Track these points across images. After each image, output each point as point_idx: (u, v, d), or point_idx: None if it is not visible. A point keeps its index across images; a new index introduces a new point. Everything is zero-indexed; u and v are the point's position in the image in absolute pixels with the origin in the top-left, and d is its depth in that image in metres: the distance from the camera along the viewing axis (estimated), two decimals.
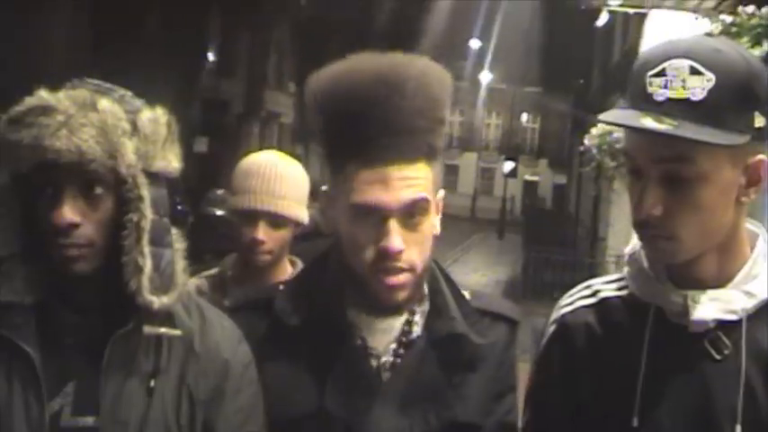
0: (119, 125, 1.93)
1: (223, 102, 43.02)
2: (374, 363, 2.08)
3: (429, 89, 2.01)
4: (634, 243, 1.95)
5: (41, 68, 24.22)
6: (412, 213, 1.98)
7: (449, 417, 2.03)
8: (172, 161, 2.04)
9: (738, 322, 1.82)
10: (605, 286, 2.02)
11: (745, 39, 4.91)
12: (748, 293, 1.83)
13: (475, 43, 63.46)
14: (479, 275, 22.39)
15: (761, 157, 1.80)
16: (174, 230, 2.04)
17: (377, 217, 1.97)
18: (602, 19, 13.75)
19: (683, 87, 1.72)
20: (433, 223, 2.05)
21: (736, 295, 1.83)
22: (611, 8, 10.27)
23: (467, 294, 2.20)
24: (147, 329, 1.97)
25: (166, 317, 1.99)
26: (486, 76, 64.79)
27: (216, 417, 2.03)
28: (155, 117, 2.03)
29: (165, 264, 1.98)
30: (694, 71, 1.73)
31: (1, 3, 23.72)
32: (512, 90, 66.73)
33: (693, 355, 1.84)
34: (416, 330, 2.11)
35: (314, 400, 2.03)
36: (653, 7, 9.60)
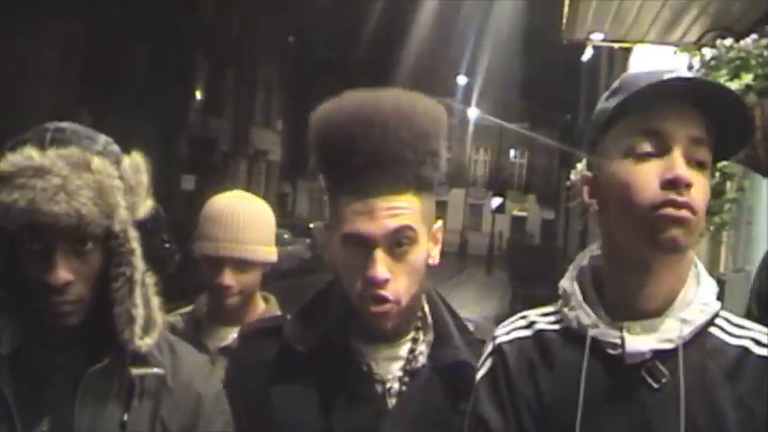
0: (113, 185, 1.95)
1: (210, 139, 43.11)
2: (380, 389, 2.13)
3: (416, 122, 2.06)
4: (567, 277, 1.95)
5: (28, 101, 24.27)
6: (399, 243, 2.03)
7: None
8: (150, 204, 2.07)
9: (674, 350, 1.81)
10: (541, 318, 1.99)
11: (724, 71, 4.98)
12: (683, 320, 1.82)
13: (462, 80, 63.68)
14: (467, 311, 22.41)
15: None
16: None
17: (364, 246, 2.02)
18: (587, 54, 13.84)
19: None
20: (424, 253, 2.09)
21: (671, 323, 1.82)
22: (594, 43, 10.34)
23: (470, 326, 2.26)
24: (136, 371, 2.00)
25: (144, 355, 2.02)
26: (473, 112, 64.93)
27: None
28: (135, 165, 2.05)
29: (145, 305, 2.02)
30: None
31: None
32: (499, 126, 66.99)
33: (631, 385, 1.81)
34: (421, 359, 2.16)
35: (321, 423, 2.07)
36: (636, 42, 9.68)
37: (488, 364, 1.97)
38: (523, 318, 2.01)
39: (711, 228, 6.30)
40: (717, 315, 1.88)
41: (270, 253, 3.23)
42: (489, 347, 2.00)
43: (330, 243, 2.14)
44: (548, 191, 61.63)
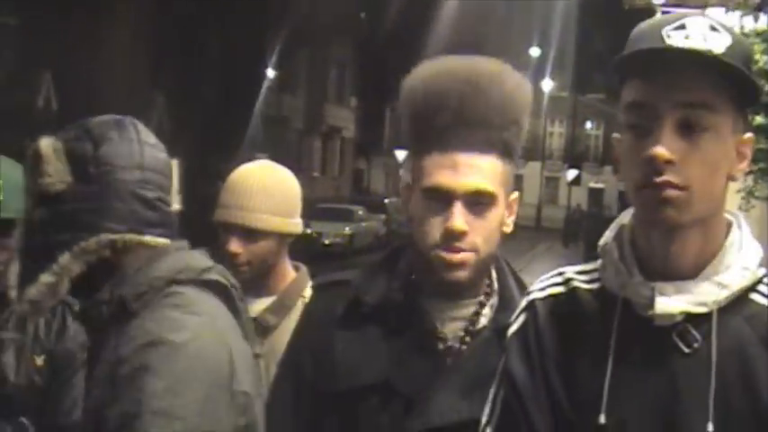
0: None
1: (284, 118, 43.35)
2: (441, 346, 2.17)
3: (503, 88, 2.14)
4: (607, 236, 1.91)
5: (103, 87, 24.60)
6: (477, 201, 2.09)
7: None
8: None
9: (709, 315, 1.75)
10: (578, 276, 1.95)
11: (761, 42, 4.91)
12: (720, 284, 1.75)
13: (535, 51, 63.24)
14: None
15: (750, 135, 1.80)
16: None
17: (444, 199, 2.10)
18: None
19: (704, 40, 1.71)
20: (501, 218, 2.16)
21: (706, 287, 1.76)
22: (657, 7, 10.23)
23: None
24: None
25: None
26: (547, 84, 64.46)
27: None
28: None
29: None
30: (713, 29, 1.73)
31: (62, 19, 24.09)
32: (574, 97, 66.45)
33: (662, 349, 1.77)
34: (483, 321, 2.21)
35: (380, 374, 2.13)
36: (698, 5, 9.53)
37: (521, 319, 1.95)
38: (560, 274, 1.98)
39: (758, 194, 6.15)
40: (759, 281, 1.80)
41: (286, 224, 3.18)
42: (524, 303, 1.98)
43: (411, 199, 2.21)
44: None
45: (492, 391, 1.95)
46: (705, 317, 1.75)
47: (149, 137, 2.16)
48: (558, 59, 63.31)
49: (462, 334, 2.19)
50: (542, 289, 1.97)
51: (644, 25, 1.81)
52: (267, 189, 3.16)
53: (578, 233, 41.78)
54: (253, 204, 3.10)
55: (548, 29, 61.95)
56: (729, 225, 1.84)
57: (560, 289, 1.94)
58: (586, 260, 2.05)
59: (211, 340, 2.05)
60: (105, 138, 2.10)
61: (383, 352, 2.15)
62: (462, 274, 2.13)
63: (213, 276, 2.18)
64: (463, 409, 2.08)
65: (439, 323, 2.19)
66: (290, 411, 2.24)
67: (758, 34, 4.67)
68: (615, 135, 1.88)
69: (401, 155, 53.30)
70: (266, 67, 41.52)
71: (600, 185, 68.99)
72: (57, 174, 2.08)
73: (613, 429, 1.76)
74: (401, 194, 2.39)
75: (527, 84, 2.23)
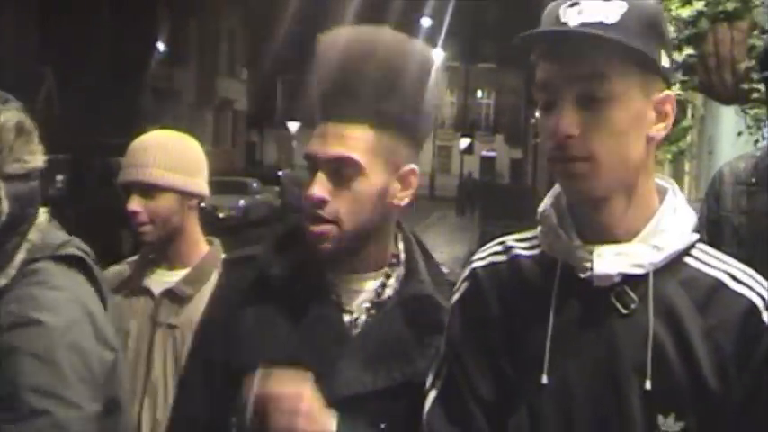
0: None
1: (175, 91, 42.81)
2: (346, 318, 2.18)
3: (380, 58, 2.12)
4: (545, 202, 1.95)
5: None
6: (339, 170, 2.08)
7: (412, 373, 2.10)
8: (29, 160, 2.22)
9: (645, 276, 1.81)
10: (517, 243, 2.00)
11: None
12: (656, 247, 1.82)
13: (426, 21, 63.39)
14: (438, 253, 22.33)
15: (667, 92, 1.85)
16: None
17: (313, 169, 2.11)
18: None
19: (598, 13, 1.76)
20: (376, 190, 2.12)
21: (642, 249, 1.82)
22: None
23: (444, 269, 2.31)
24: None
25: None
26: (438, 54, 64.60)
27: None
28: (1, 124, 2.15)
29: (11, 248, 2.16)
30: (607, 1, 1.78)
31: None
32: (465, 67, 66.82)
33: (600, 309, 1.82)
34: (388, 292, 2.21)
35: (287, 349, 2.12)
36: None
37: (463, 288, 1.99)
38: (501, 243, 2.02)
39: (668, 155, 6.31)
40: (693, 246, 1.86)
41: (184, 181, 3.15)
42: (466, 272, 2.01)
43: None
44: (515, 130, 61.68)
45: (437, 359, 1.99)
46: (641, 279, 1.81)
47: None
48: (449, 30, 63.57)
49: (368, 306, 2.19)
50: (483, 258, 2.00)
51: (550, 6, 1.84)
52: (164, 146, 3.17)
53: (471, 201, 42.14)
54: (149, 161, 3.10)
55: None
56: (665, 191, 1.90)
57: (501, 257, 1.98)
58: (481, 228, 2.09)
59: (76, 315, 2.14)
60: None
61: (289, 327, 2.15)
62: (326, 247, 2.11)
63: (69, 250, 2.22)
64: (367, 381, 2.10)
65: (345, 296, 2.19)
66: (201, 385, 2.24)
67: None
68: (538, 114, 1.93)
69: (294, 126, 53.13)
70: (156, 39, 40.94)
71: (492, 154, 69.67)
72: None
73: (555, 388, 1.82)
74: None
75: (415, 51, 2.19)
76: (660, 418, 1.77)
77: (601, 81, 1.76)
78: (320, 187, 2.08)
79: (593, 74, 1.76)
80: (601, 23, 1.75)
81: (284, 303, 2.16)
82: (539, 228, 1.96)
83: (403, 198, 2.18)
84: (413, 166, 2.19)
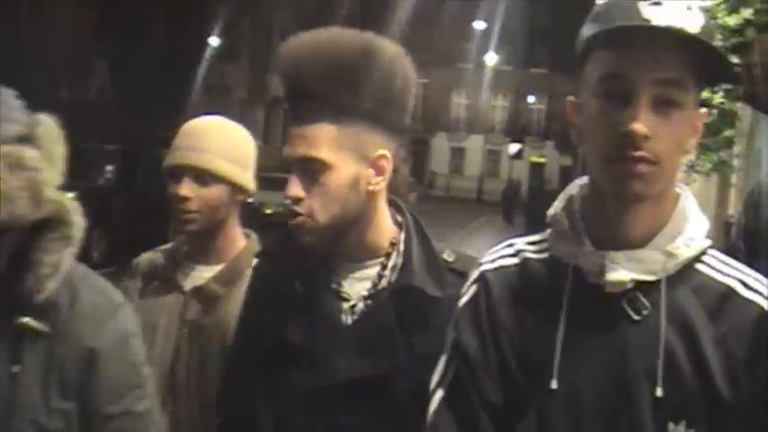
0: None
1: (227, 87, 42.97)
2: (345, 305, 2.30)
3: (335, 55, 2.23)
4: (556, 205, 1.95)
5: (45, 54, 24.27)
6: (308, 168, 2.22)
7: (395, 363, 2.21)
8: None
9: (657, 283, 1.81)
10: (527, 246, 1.99)
11: (723, 6, 4.91)
12: (669, 254, 1.82)
13: (479, 24, 63.18)
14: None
15: (704, 110, 1.87)
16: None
17: (289, 171, 2.26)
18: None
19: (681, 19, 1.74)
20: (346, 178, 2.24)
21: (655, 255, 1.82)
22: None
23: (449, 256, 2.36)
24: (26, 322, 2.03)
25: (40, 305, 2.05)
26: (491, 58, 64.43)
27: (87, 398, 2.07)
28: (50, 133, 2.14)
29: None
30: (689, 8, 1.76)
31: None
32: (518, 71, 66.49)
33: (611, 315, 1.82)
34: (384, 282, 2.31)
35: (288, 334, 2.26)
36: None
37: (472, 291, 1.98)
38: (510, 246, 2.01)
39: (709, 164, 6.24)
40: (704, 252, 1.86)
41: (238, 174, 3.04)
42: (474, 274, 2.00)
43: None
44: (566, 137, 61.13)
45: (443, 357, 1.98)
46: (654, 285, 1.81)
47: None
48: (502, 33, 63.28)
49: (366, 294, 2.30)
50: (493, 260, 1.99)
51: (616, 0, 1.82)
52: (224, 134, 3.07)
53: (513, 207, 41.94)
54: (207, 146, 2.98)
55: (493, 2, 61.89)
56: (677, 197, 1.89)
57: (511, 261, 1.97)
58: (528, 233, 2.09)
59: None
60: None
61: (291, 314, 2.27)
62: (308, 239, 2.26)
63: None
64: (363, 366, 2.21)
65: (345, 284, 2.31)
66: (244, 367, 2.40)
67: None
68: (570, 98, 1.92)
69: None
70: (209, 35, 41.15)
71: (541, 160, 69.25)
72: None
73: (564, 394, 1.81)
74: None
75: (380, 48, 2.27)
76: (671, 426, 1.76)
77: (679, 87, 1.76)
78: (294, 186, 2.23)
79: (675, 79, 1.76)
80: (683, 31, 1.74)
81: (288, 292, 2.29)
82: (548, 231, 1.96)
83: (378, 183, 2.28)
84: (383, 151, 2.27)
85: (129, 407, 2.11)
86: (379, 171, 2.27)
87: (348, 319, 2.28)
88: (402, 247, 2.33)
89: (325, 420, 2.22)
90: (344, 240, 2.28)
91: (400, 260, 2.32)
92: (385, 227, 2.35)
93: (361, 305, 2.29)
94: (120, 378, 2.11)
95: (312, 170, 2.22)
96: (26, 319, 2.01)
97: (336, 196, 2.24)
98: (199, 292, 3.02)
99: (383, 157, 2.27)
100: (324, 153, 2.21)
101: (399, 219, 2.38)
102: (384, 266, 2.32)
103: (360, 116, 2.23)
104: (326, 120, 2.22)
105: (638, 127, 1.73)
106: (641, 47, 1.75)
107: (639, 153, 1.74)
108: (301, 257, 2.31)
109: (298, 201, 2.23)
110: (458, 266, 2.31)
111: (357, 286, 2.31)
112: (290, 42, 2.31)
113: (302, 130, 2.23)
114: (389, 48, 2.29)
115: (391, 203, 2.39)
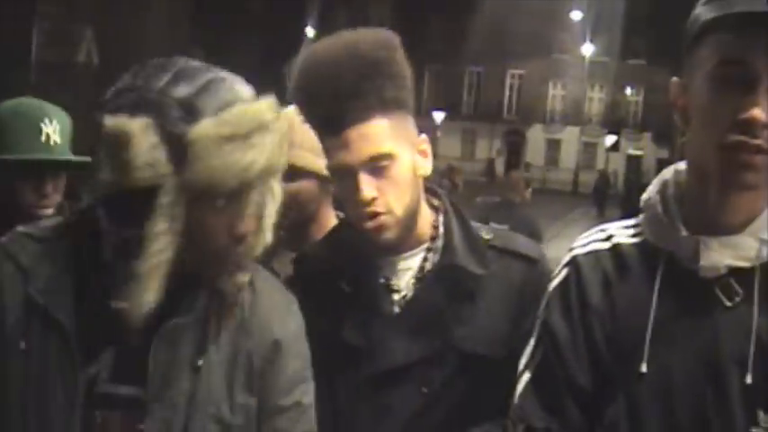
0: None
1: None
2: (395, 297, 2.35)
3: (362, 54, 2.26)
4: (650, 190, 1.93)
5: (142, 42, 24.68)
6: (376, 165, 2.23)
7: (449, 340, 2.27)
8: None
9: (751, 270, 1.78)
10: (620, 231, 1.97)
11: None
12: (763, 241, 1.79)
13: (576, 15, 62.76)
14: None
15: None
16: None
17: (349, 175, 2.24)
18: None
19: None
20: (409, 168, 2.28)
21: (750, 242, 1.79)
22: None
23: (487, 234, 2.42)
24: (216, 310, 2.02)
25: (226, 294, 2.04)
26: (588, 49, 63.96)
27: (263, 390, 2.04)
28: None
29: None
30: None
31: None
32: (615, 62, 65.88)
33: (704, 301, 1.79)
34: (428, 266, 2.36)
35: (343, 333, 2.31)
36: None
37: (563, 274, 1.99)
38: (602, 230, 2.01)
39: None
40: None
41: (321, 167, 2.83)
42: (566, 258, 2.00)
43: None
44: (663, 129, 60.52)
45: (532, 339, 1.99)
46: (748, 272, 1.78)
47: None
48: (599, 24, 62.75)
49: (413, 281, 2.34)
50: (584, 245, 2.00)
51: None
52: (305, 126, 2.96)
53: (605, 200, 41.65)
54: (292, 140, 2.93)
55: None
56: None
57: (603, 245, 1.97)
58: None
59: None
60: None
61: (340, 315, 2.32)
62: (389, 235, 2.26)
63: None
64: (412, 350, 2.27)
65: (392, 276, 2.35)
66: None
67: None
68: (674, 79, 1.89)
69: (439, 116, 53.23)
70: (306, 25, 41.45)
71: (638, 152, 68.49)
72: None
73: (654, 378, 1.80)
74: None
75: (387, 37, 2.33)
76: (761, 414, 1.72)
77: None
78: (368, 187, 2.21)
79: None
80: None
81: (336, 294, 2.33)
82: (640, 216, 1.93)
83: (425, 168, 2.35)
84: (423, 136, 2.36)
85: (299, 398, 2.10)
86: (425, 155, 2.35)
87: (398, 309, 2.33)
88: (442, 229, 2.39)
89: (382, 403, 2.28)
90: (409, 231, 2.31)
91: (441, 242, 2.37)
92: (425, 213, 2.39)
93: (411, 293, 2.34)
94: (295, 370, 2.10)
95: (380, 167, 2.23)
96: (216, 312, 2.01)
97: (405, 187, 2.27)
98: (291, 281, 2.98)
99: (424, 141, 2.36)
100: (388, 146, 2.23)
101: (436, 203, 2.43)
102: (429, 250, 2.36)
103: (400, 106, 2.28)
104: (378, 114, 2.23)
105: (759, 113, 1.68)
106: (763, 32, 1.70)
107: (757, 141, 1.70)
108: (345, 259, 2.35)
109: (374, 201, 2.22)
110: (497, 243, 2.38)
111: (405, 276, 2.35)
112: (313, 52, 2.34)
113: (358, 130, 2.22)
114: (393, 35, 2.35)
115: (426, 189, 2.42)
